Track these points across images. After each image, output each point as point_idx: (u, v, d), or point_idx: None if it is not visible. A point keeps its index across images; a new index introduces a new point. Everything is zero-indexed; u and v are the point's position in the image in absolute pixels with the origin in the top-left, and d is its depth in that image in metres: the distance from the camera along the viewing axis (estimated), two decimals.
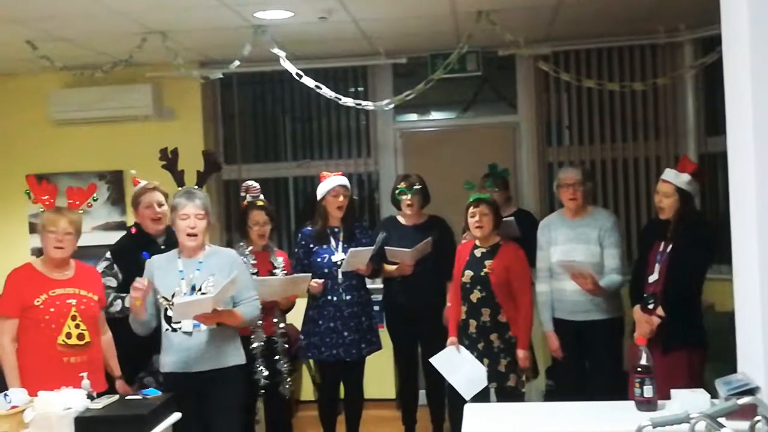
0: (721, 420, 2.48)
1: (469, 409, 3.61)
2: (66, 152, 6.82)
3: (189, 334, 3.99)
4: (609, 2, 5.43)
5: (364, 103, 6.00)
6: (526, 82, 6.86)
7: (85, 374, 3.78)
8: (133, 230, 4.80)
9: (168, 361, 4.05)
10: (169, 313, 3.99)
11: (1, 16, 5.09)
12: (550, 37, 6.40)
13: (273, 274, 4.93)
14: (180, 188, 4.52)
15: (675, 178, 4.38)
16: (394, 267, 5.27)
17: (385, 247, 5.18)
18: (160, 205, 4.67)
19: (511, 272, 4.73)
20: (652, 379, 3.40)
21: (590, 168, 6.66)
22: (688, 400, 3.20)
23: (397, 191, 5.38)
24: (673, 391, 3.41)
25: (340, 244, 5.17)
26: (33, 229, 6.38)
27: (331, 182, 5.18)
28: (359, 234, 5.29)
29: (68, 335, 3.94)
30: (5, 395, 3.52)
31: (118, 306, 4.42)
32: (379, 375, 6.30)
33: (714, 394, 3.23)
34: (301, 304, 5.24)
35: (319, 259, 5.14)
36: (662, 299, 4.30)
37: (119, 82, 6.45)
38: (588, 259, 4.79)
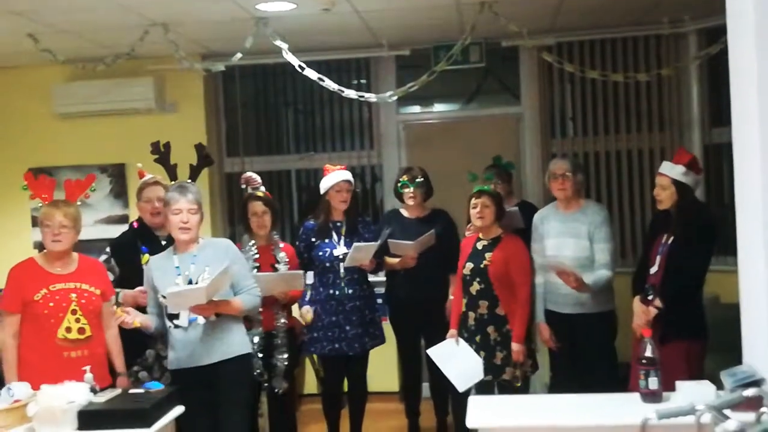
0: (727, 411, 2.48)
1: (473, 402, 3.61)
2: (68, 145, 6.82)
3: (185, 329, 3.99)
4: None
5: (367, 95, 5.98)
6: (529, 74, 6.84)
7: (88, 368, 3.77)
8: (135, 224, 4.78)
9: (173, 357, 4.06)
10: (170, 309, 3.99)
11: (2, 9, 5.08)
12: (553, 28, 6.38)
13: (276, 269, 4.92)
14: (173, 182, 4.50)
15: (670, 170, 4.37)
16: (396, 260, 5.26)
17: (388, 240, 5.17)
18: (160, 200, 4.66)
19: (511, 265, 4.72)
20: (657, 371, 3.39)
21: (593, 160, 6.67)
22: (693, 392, 3.19)
23: (399, 184, 5.37)
24: (678, 383, 3.40)
25: (342, 238, 5.16)
26: (36, 222, 6.38)
27: (335, 177, 5.16)
28: (362, 228, 5.28)
29: (68, 329, 3.93)
30: (8, 389, 3.53)
31: (111, 301, 4.40)
32: (383, 368, 6.29)
33: (719, 386, 3.22)
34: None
35: (320, 253, 5.12)
36: (661, 291, 4.29)
37: (121, 75, 6.45)
38: (577, 254, 4.78)
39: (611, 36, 6.63)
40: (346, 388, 5.42)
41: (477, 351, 4.72)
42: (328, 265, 5.09)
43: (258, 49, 5.85)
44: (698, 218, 4.40)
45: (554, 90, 6.88)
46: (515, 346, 4.68)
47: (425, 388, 5.67)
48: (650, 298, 4.32)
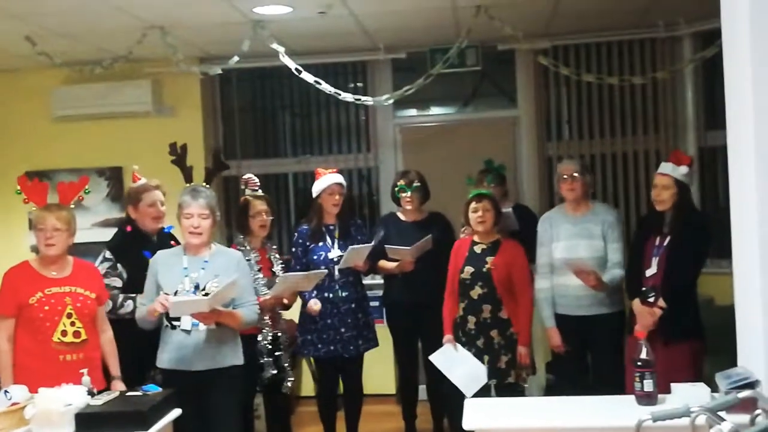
0: (722, 413, 2.48)
1: (469, 404, 3.62)
2: (66, 148, 6.82)
3: (188, 332, 3.99)
4: None
5: (363, 98, 6.00)
6: (525, 77, 6.86)
7: (85, 371, 3.77)
8: (128, 228, 4.68)
9: (165, 357, 4.05)
10: (171, 314, 3.98)
11: None
12: (549, 32, 6.40)
13: (272, 272, 4.93)
14: (188, 185, 4.46)
15: (673, 170, 4.42)
16: (393, 264, 5.27)
17: (386, 246, 5.18)
18: (162, 204, 4.66)
19: (512, 269, 4.73)
20: (652, 373, 3.41)
21: (589, 162, 6.67)
22: (688, 394, 3.22)
23: (396, 188, 5.37)
24: (673, 385, 3.42)
25: (336, 241, 5.17)
26: (33, 226, 6.39)
27: (326, 180, 5.17)
28: (355, 231, 5.30)
29: (63, 333, 3.92)
30: (6, 392, 3.52)
31: (129, 307, 4.36)
32: (379, 370, 6.32)
33: (714, 388, 3.24)
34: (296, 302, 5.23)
35: (315, 257, 5.13)
36: (662, 291, 4.31)
37: (119, 78, 6.46)
38: (591, 254, 4.78)
39: (606, 39, 6.65)
40: (341, 390, 5.43)
41: (480, 355, 4.71)
42: (322, 268, 5.09)
43: (255, 52, 5.86)
44: (695, 218, 4.47)
45: (550, 93, 6.90)
46: (522, 350, 4.69)
47: (422, 390, 5.68)
48: (651, 299, 4.34)
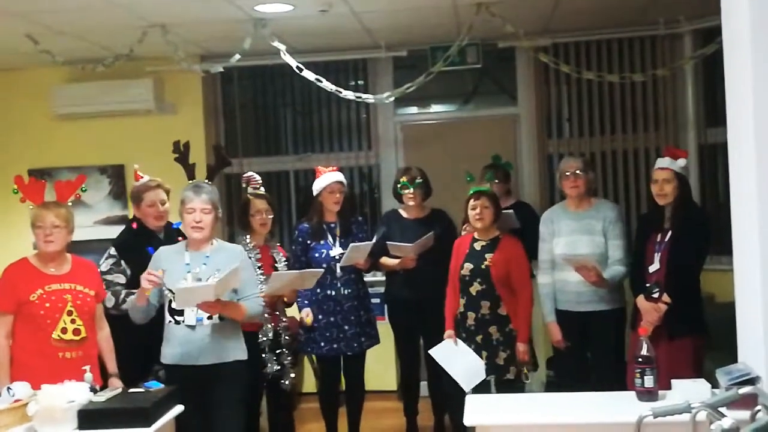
0: (722, 409, 2.50)
1: (470, 400, 3.63)
2: (67, 147, 6.83)
3: (192, 327, 3.99)
4: None
5: (364, 96, 6.00)
6: (526, 74, 6.86)
7: (87, 367, 3.79)
8: (134, 225, 4.75)
9: (169, 353, 4.05)
10: (173, 305, 3.98)
11: (1, 10, 5.09)
12: (549, 29, 6.40)
13: (275, 269, 4.94)
14: (190, 181, 4.48)
15: (671, 163, 4.45)
16: (395, 261, 5.28)
17: (388, 242, 5.19)
18: (163, 203, 4.67)
19: (511, 265, 4.73)
20: (653, 369, 3.42)
21: (590, 159, 6.68)
22: (689, 390, 3.22)
23: (399, 185, 5.38)
24: (673, 381, 3.43)
25: (337, 239, 5.18)
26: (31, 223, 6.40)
27: (327, 178, 5.17)
28: (355, 228, 5.30)
29: (63, 330, 3.93)
30: (8, 389, 3.54)
31: (130, 303, 4.40)
32: (381, 367, 6.33)
33: (714, 384, 3.25)
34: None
35: (317, 255, 5.14)
36: (666, 287, 4.33)
37: (120, 76, 6.45)
38: (592, 251, 4.79)
39: (607, 37, 6.65)
40: (343, 387, 5.44)
41: (478, 351, 4.72)
42: (324, 266, 5.10)
43: (256, 50, 5.87)
44: (695, 213, 4.50)
45: (551, 90, 6.90)
46: (521, 346, 4.69)
47: (423, 386, 5.69)
48: (655, 295, 4.35)
